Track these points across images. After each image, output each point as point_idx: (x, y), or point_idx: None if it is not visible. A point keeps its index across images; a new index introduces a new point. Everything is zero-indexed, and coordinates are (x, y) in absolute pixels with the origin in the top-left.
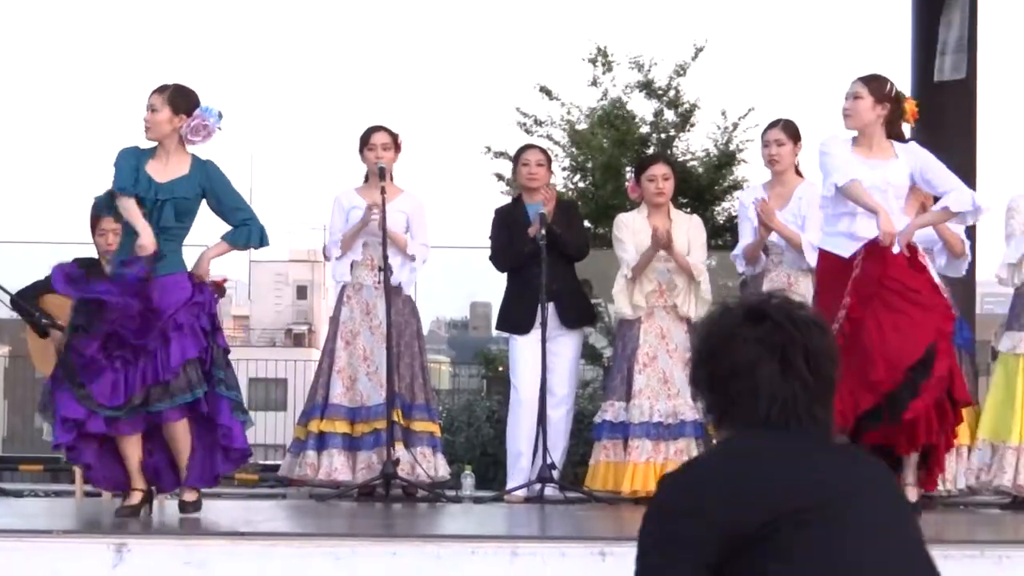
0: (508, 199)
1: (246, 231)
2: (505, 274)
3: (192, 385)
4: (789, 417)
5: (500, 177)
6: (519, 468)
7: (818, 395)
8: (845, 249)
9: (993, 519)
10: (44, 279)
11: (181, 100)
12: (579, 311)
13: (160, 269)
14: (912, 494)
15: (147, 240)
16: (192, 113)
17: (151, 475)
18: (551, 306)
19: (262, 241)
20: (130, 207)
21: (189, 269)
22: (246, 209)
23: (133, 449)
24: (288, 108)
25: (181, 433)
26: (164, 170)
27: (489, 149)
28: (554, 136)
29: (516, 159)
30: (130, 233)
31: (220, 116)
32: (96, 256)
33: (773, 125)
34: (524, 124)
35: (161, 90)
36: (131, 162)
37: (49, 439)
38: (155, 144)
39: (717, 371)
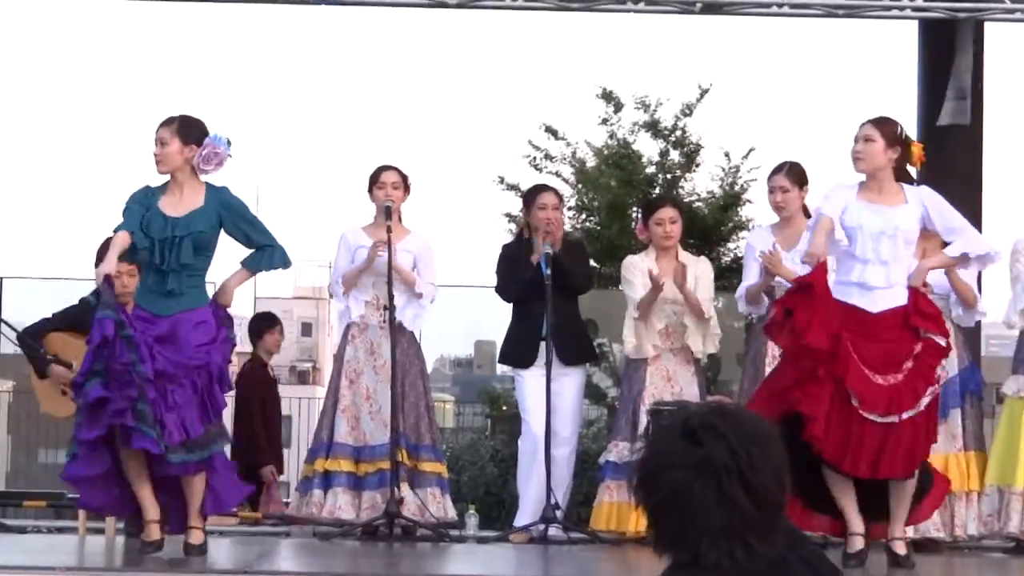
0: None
1: (268, 254)
2: (510, 312)
3: (212, 440)
4: (720, 554)
5: (510, 217)
6: (526, 505)
7: (758, 525)
8: (867, 302)
9: (999, 564)
10: (49, 317)
11: (190, 130)
12: (579, 348)
13: (182, 304)
14: (901, 548)
15: (107, 267)
16: (202, 142)
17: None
18: (552, 343)
19: (285, 263)
20: (117, 240)
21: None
22: (265, 232)
23: (145, 479)
24: (296, 142)
25: (197, 482)
26: (178, 204)
27: (502, 180)
28: (563, 173)
29: (531, 199)
30: (147, 272)
31: (229, 143)
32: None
33: (778, 171)
34: (534, 159)
35: (168, 123)
36: (139, 208)
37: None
38: (166, 179)
39: (650, 499)
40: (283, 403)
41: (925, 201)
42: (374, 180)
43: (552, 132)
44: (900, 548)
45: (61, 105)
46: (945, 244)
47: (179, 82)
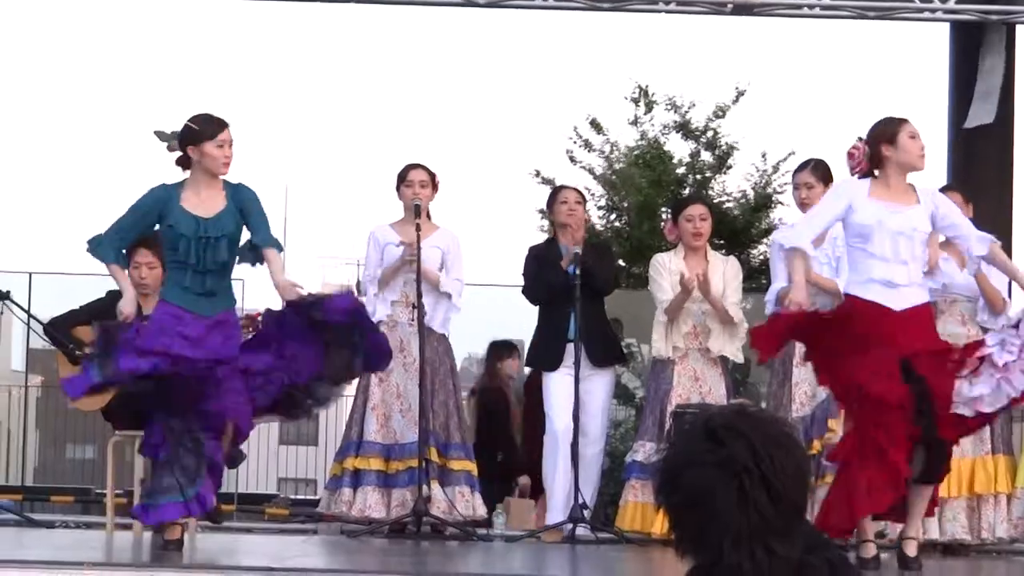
0: (545, 235)
1: (277, 245)
2: (536, 312)
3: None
4: (742, 556)
5: (543, 213)
6: (554, 505)
7: (778, 527)
8: (889, 299)
9: None
10: (77, 309)
11: None
12: (607, 350)
13: (217, 306)
14: (912, 549)
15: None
16: None
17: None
18: (580, 345)
19: (279, 248)
20: (114, 272)
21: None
22: (267, 226)
23: None
24: (325, 139)
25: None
26: (203, 204)
27: (538, 173)
28: (596, 171)
29: (553, 198)
30: (173, 267)
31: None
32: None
33: (803, 167)
34: (570, 152)
35: (227, 124)
36: (140, 218)
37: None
38: (181, 177)
39: (672, 498)
40: None
41: (935, 200)
42: (402, 178)
43: (597, 126)
44: (911, 549)
45: (90, 100)
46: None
47: (207, 78)
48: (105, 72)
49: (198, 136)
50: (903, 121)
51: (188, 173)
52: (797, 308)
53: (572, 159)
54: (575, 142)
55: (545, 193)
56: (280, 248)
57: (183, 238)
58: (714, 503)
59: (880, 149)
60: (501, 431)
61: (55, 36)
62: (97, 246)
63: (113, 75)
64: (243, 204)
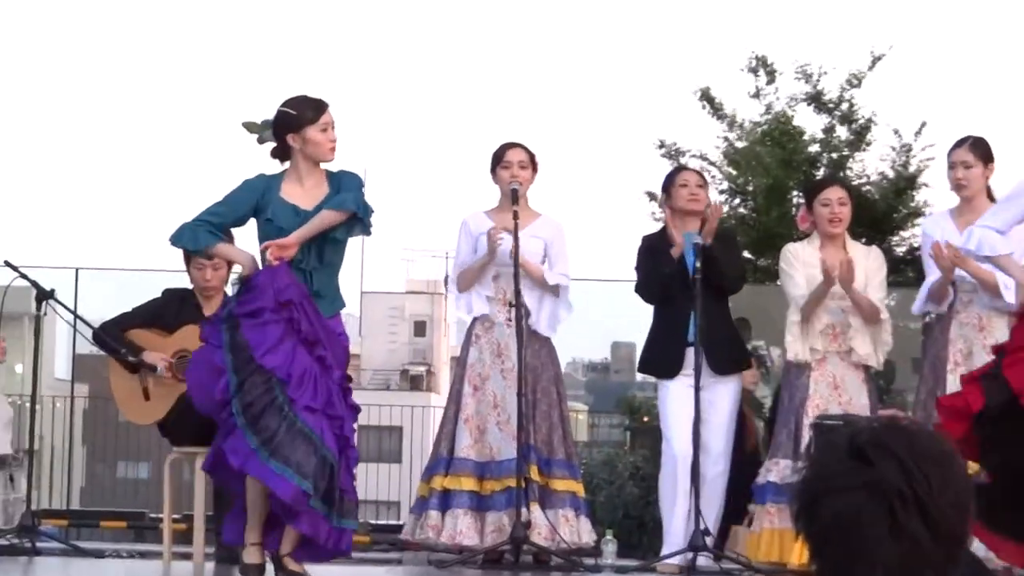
0: (657, 224)
1: (357, 204)
2: (651, 312)
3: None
4: None
5: (652, 196)
6: (672, 532)
7: (935, 559)
8: None
9: None
10: (130, 311)
11: None
12: (733, 355)
13: (327, 308)
14: None
15: (247, 264)
16: None
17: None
18: (701, 349)
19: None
20: (229, 251)
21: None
22: (361, 201)
23: (261, 495)
24: (410, 114)
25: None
26: (306, 195)
27: (663, 143)
28: (710, 156)
29: (671, 180)
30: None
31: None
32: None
33: (960, 144)
34: (671, 150)
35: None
36: (252, 196)
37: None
38: (283, 168)
39: (812, 526)
40: (393, 412)
41: None
42: (498, 159)
43: (709, 100)
44: None
45: (145, 91)
46: None
47: (265, 51)
48: (158, 61)
49: (297, 121)
50: None
51: (286, 165)
52: None
53: (678, 151)
54: (703, 107)
55: (659, 173)
56: (349, 212)
57: (283, 233)
58: (860, 532)
59: None
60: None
61: (118, 31)
62: (184, 236)
63: (167, 63)
64: (341, 185)
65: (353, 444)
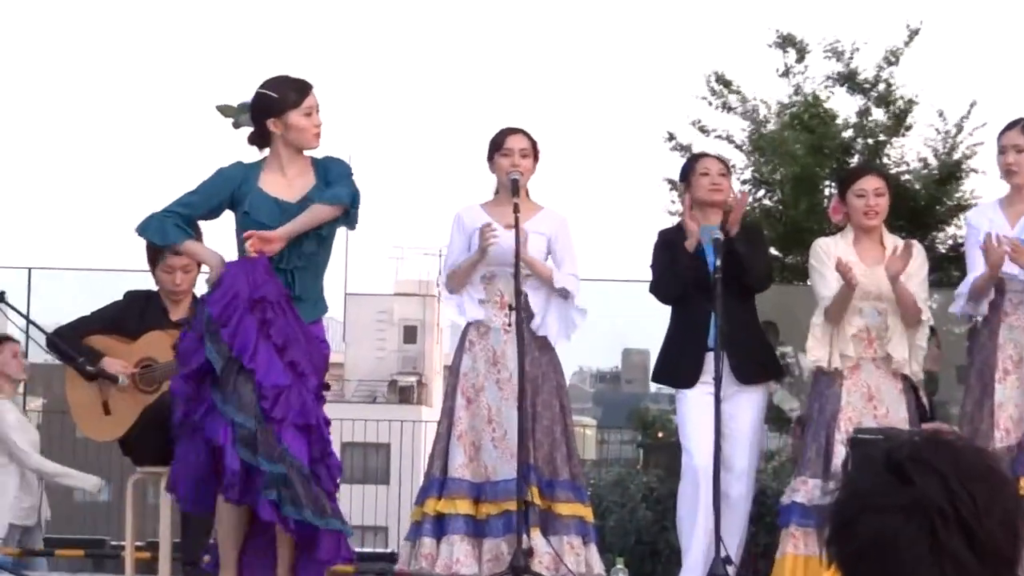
0: (673, 218)
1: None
2: (667, 316)
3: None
4: None
5: (672, 184)
6: (691, 557)
7: None
8: None
9: None
10: (89, 315)
11: None
12: (760, 362)
13: (307, 313)
14: None
15: (215, 266)
16: None
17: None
18: (723, 355)
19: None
20: (196, 249)
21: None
22: (352, 190)
23: (239, 522)
24: (400, 96)
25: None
26: (288, 185)
27: (672, 137)
28: (735, 138)
29: (690, 169)
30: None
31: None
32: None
33: (1012, 126)
34: (699, 123)
35: (311, 87)
36: (228, 186)
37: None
38: (262, 156)
39: (846, 549)
40: (380, 427)
41: None
42: (497, 146)
43: (725, 83)
44: None
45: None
46: None
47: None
48: (115, 43)
49: (279, 105)
50: None
51: (265, 152)
52: None
53: (703, 129)
54: (710, 103)
55: (676, 164)
56: (343, 207)
57: (260, 226)
58: (899, 555)
59: None
60: None
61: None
62: (151, 227)
63: (125, 43)
64: (328, 174)
65: (333, 451)
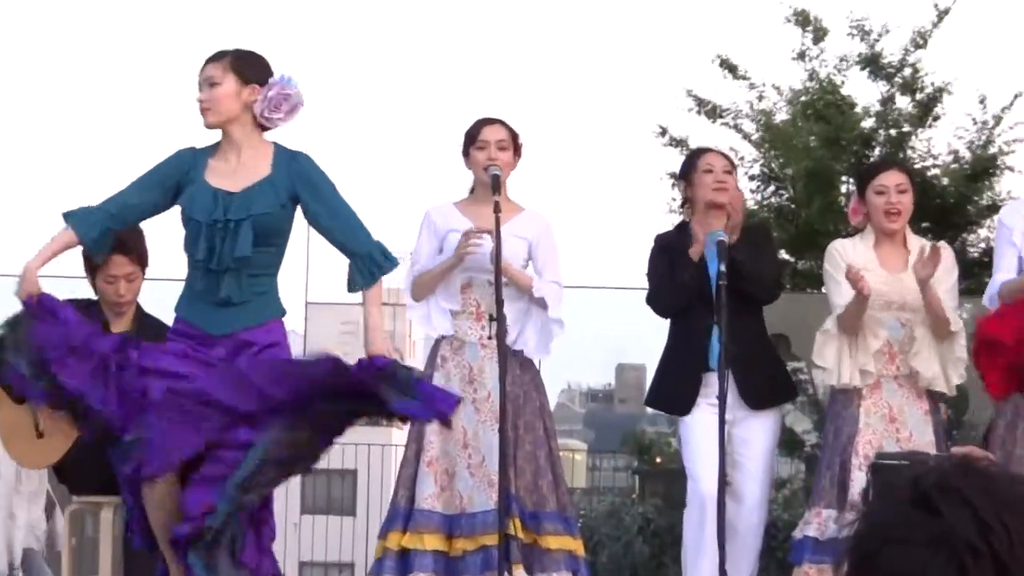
0: (673, 218)
1: (367, 264)
2: (665, 328)
3: None
4: None
5: (673, 179)
6: None
7: None
8: None
9: None
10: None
11: (249, 66)
12: (770, 382)
13: (243, 319)
14: None
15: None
16: (267, 81)
17: None
18: (728, 374)
19: (389, 264)
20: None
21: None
22: (355, 227)
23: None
24: (361, 86)
25: None
26: (234, 174)
27: (664, 132)
28: (744, 127)
29: (692, 165)
30: (194, 272)
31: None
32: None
33: None
34: (700, 108)
35: (219, 57)
36: (173, 176)
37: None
38: (217, 140)
39: None
40: (345, 452)
41: None
42: (471, 138)
43: (730, 68)
44: None
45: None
46: None
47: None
48: (46, 32)
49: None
50: None
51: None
52: None
53: (706, 109)
54: (695, 108)
55: (673, 160)
56: (369, 286)
57: (192, 222)
58: None
59: None
60: None
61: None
62: (77, 218)
63: (61, 32)
64: (299, 183)
65: (265, 517)
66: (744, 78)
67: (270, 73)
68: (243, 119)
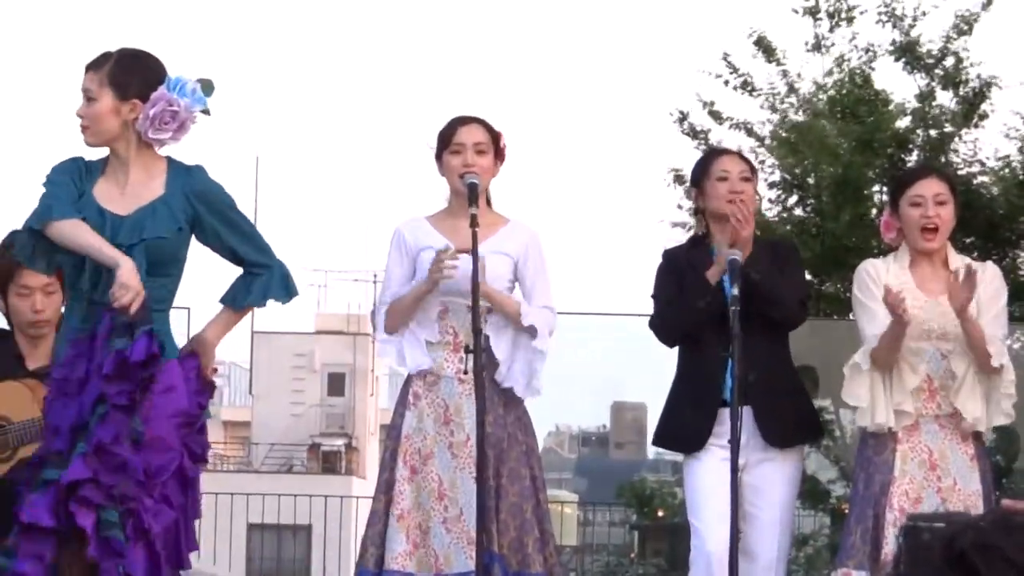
0: (678, 233)
1: (261, 282)
2: (673, 360)
3: None
4: None
5: (679, 179)
6: None
7: None
8: None
9: None
10: None
11: (130, 76)
12: (793, 419)
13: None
14: None
15: (129, 277)
16: (150, 96)
17: None
18: (747, 411)
19: (287, 293)
20: (78, 231)
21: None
22: (258, 244)
23: None
24: (318, 89)
25: None
26: (122, 195)
27: (684, 118)
28: (758, 131)
29: (704, 170)
30: (74, 304)
31: (206, 89)
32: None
33: None
34: (710, 105)
35: (98, 65)
36: (71, 183)
37: None
38: (105, 154)
39: None
40: (298, 504)
41: None
42: (446, 140)
43: (766, 48)
44: None
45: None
46: None
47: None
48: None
49: None
50: None
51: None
52: None
53: (715, 114)
54: (727, 81)
55: (676, 156)
56: (245, 306)
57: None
58: None
59: None
60: None
61: None
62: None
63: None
64: (195, 201)
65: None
66: (778, 61)
67: (157, 82)
68: (127, 136)
